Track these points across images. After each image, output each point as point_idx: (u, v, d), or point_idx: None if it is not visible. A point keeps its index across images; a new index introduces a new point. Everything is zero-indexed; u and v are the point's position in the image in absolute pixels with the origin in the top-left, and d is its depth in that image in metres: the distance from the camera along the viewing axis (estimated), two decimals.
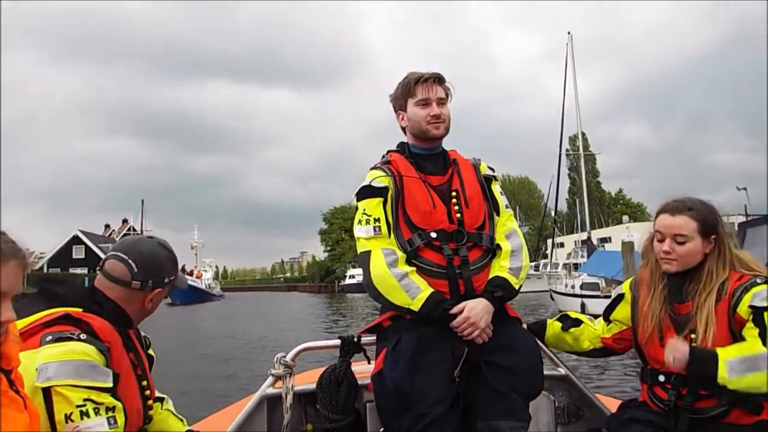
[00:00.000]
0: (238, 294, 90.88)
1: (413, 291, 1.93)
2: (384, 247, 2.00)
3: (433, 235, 2.00)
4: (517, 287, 2.03)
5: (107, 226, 73.25)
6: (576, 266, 34.81)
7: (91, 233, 62.37)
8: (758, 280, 1.86)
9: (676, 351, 1.83)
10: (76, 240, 58.39)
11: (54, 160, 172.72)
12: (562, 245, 63.44)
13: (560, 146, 31.97)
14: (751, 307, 1.80)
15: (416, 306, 1.92)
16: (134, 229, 63.24)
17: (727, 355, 1.77)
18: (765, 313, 1.77)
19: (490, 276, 2.03)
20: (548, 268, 47.47)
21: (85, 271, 51.61)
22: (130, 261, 1.72)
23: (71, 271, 50.14)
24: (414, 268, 1.98)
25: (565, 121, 31.27)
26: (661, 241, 1.97)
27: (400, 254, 1.99)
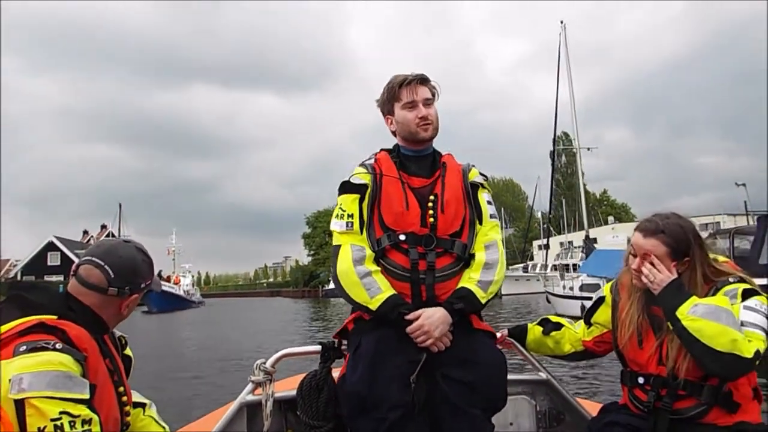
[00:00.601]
0: (219, 300, 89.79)
1: (374, 290, 1.94)
2: (354, 244, 2.01)
3: (402, 237, 2.00)
4: (483, 301, 2.00)
5: (85, 232, 72.22)
6: (571, 267, 34.68)
7: (67, 239, 61.37)
8: (731, 279, 1.91)
9: (662, 272, 1.90)
10: (51, 246, 57.43)
11: (37, 167, 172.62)
12: (547, 246, 64.01)
13: (554, 139, 31.56)
14: None
15: (374, 306, 1.93)
16: (113, 235, 62.43)
17: (700, 301, 1.84)
18: (733, 305, 1.82)
19: (458, 286, 2.01)
20: (538, 269, 47.63)
21: (60, 278, 50.46)
22: (106, 267, 1.70)
23: (46, 278, 49.09)
24: (379, 268, 1.99)
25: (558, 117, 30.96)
26: (635, 256, 2.01)
27: (369, 252, 2.00)
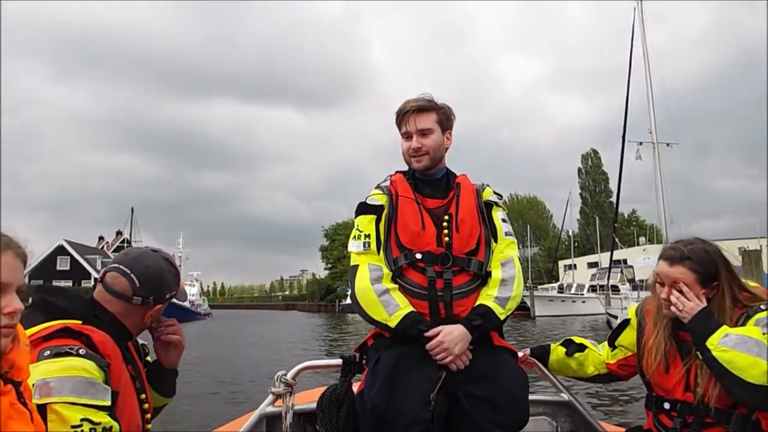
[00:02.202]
0: (231, 312, 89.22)
1: (392, 307, 1.98)
2: (371, 263, 2.07)
3: (418, 256, 2.06)
4: (502, 317, 2.03)
5: (101, 238, 73.04)
6: (609, 287, 33.80)
7: (78, 243, 61.04)
8: (762, 306, 1.90)
9: (692, 300, 1.91)
10: (61, 250, 56.89)
11: (57, 173, 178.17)
12: (574, 266, 63.01)
13: (624, 129, 29.70)
14: None
15: (393, 323, 1.97)
16: (128, 241, 63.13)
17: (731, 330, 1.84)
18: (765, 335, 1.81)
19: (476, 303, 2.04)
20: (574, 289, 46.07)
21: (69, 283, 50.34)
22: (132, 275, 1.74)
23: (55, 283, 47.20)
24: (397, 286, 2.04)
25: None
26: (663, 285, 2.02)
27: (386, 271, 2.06)
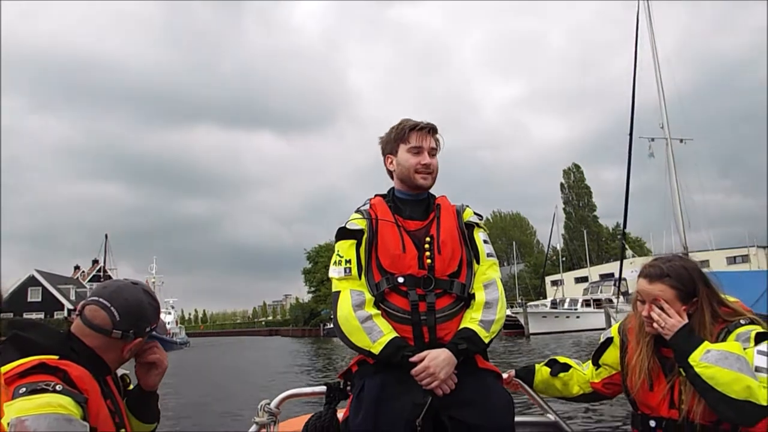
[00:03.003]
0: (213, 339, 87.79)
1: (375, 334, 1.99)
2: (353, 289, 2.08)
3: (400, 279, 2.07)
4: (486, 340, 2.05)
5: (77, 267, 72.17)
6: (605, 301, 33.38)
7: (50, 273, 59.70)
8: (742, 321, 1.94)
9: (673, 317, 1.94)
10: (32, 281, 55.49)
11: (40, 205, 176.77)
12: (561, 282, 63.19)
13: (631, 128, 29.53)
14: None
15: (376, 349, 1.98)
16: (104, 270, 62.33)
17: (712, 346, 1.87)
18: (746, 350, 1.85)
19: (460, 327, 2.06)
20: (567, 305, 45.30)
21: (41, 315, 48.63)
22: (112, 309, 1.72)
23: (26, 316, 46.67)
24: (380, 312, 2.05)
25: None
26: (643, 302, 2.06)
27: (368, 297, 2.07)
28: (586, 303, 44.44)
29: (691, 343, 1.89)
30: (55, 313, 52.70)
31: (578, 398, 2.38)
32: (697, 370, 1.84)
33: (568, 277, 63.48)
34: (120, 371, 1.88)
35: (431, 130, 2.25)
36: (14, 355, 1.53)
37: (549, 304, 49.53)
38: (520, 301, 55.05)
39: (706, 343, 1.89)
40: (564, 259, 65.59)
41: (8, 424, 1.34)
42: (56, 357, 1.56)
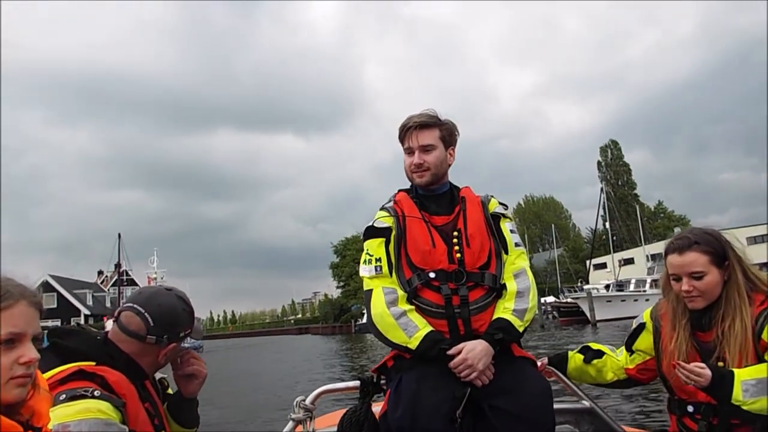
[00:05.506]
0: (237, 341, 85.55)
1: (411, 329, 2.07)
2: (385, 286, 2.17)
3: (432, 275, 2.14)
4: (521, 329, 2.12)
5: (100, 272, 73.12)
6: None
7: (65, 278, 59.41)
8: None
9: (695, 368, 1.96)
10: (46, 287, 53.48)
11: (65, 214, 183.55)
12: (604, 266, 62.00)
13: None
14: None
15: (413, 344, 2.05)
16: (127, 274, 62.99)
17: (743, 376, 1.90)
18: None
19: (494, 317, 2.13)
20: (632, 286, 42.66)
21: (57, 322, 46.86)
22: (146, 314, 1.82)
23: (41, 324, 46.82)
24: (413, 307, 2.13)
25: None
26: (678, 280, 2.10)
27: (401, 293, 2.15)
28: (655, 283, 42.88)
29: (726, 383, 1.92)
30: (72, 319, 52.11)
31: (613, 384, 2.44)
32: (745, 408, 1.89)
33: (611, 259, 62.46)
34: (158, 375, 1.98)
35: (419, 126, 2.28)
36: (54, 362, 1.63)
37: (612, 287, 46.54)
38: (579, 285, 53.14)
39: (736, 373, 1.92)
40: (605, 240, 64.64)
41: (52, 430, 1.39)
42: (93, 363, 1.66)
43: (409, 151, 2.30)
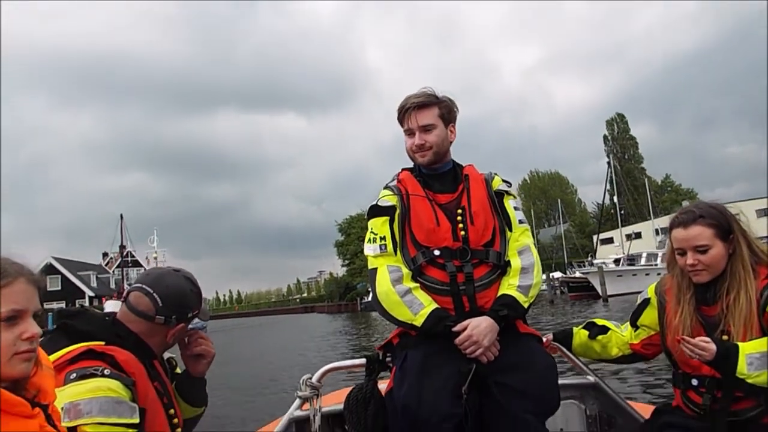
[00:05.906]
0: (240, 321, 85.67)
1: (416, 307, 2.09)
2: (390, 264, 2.19)
3: (437, 252, 2.17)
4: (525, 305, 2.15)
5: (105, 255, 73.62)
6: None
7: (69, 260, 59.73)
8: None
9: (699, 342, 1.98)
10: (50, 269, 54.28)
11: (71, 199, 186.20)
12: (611, 240, 61.92)
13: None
14: None
15: (418, 321, 2.08)
16: (132, 255, 63.31)
17: (747, 349, 1.93)
18: None
19: (498, 294, 2.16)
20: (644, 260, 42.06)
21: (62, 304, 46.82)
22: (155, 295, 1.86)
23: (46, 306, 47.08)
24: (418, 285, 2.16)
25: None
26: (683, 254, 2.12)
27: (405, 271, 2.17)
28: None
29: (728, 357, 1.94)
30: (77, 301, 52.26)
31: (618, 360, 2.46)
32: (750, 381, 1.91)
33: (618, 234, 62.40)
34: (166, 354, 2.02)
35: (419, 106, 2.28)
36: (63, 342, 1.67)
37: (623, 261, 46.16)
38: (588, 260, 52.90)
39: (740, 346, 1.94)
40: (613, 213, 64.58)
41: (62, 408, 1.45)
42: (102, 343, 1.69)
43: (410, 132, 2.31)
